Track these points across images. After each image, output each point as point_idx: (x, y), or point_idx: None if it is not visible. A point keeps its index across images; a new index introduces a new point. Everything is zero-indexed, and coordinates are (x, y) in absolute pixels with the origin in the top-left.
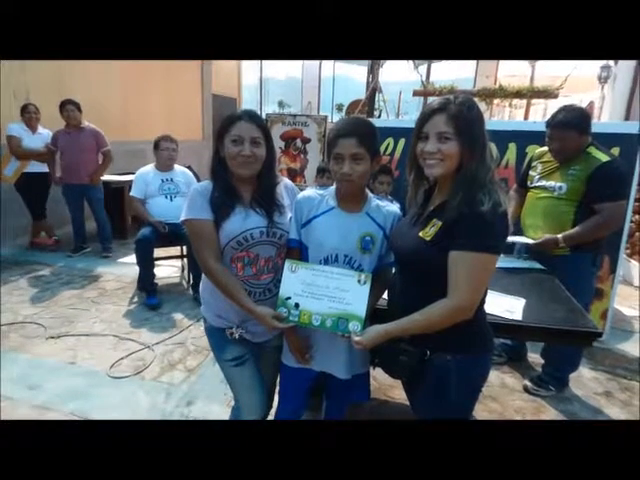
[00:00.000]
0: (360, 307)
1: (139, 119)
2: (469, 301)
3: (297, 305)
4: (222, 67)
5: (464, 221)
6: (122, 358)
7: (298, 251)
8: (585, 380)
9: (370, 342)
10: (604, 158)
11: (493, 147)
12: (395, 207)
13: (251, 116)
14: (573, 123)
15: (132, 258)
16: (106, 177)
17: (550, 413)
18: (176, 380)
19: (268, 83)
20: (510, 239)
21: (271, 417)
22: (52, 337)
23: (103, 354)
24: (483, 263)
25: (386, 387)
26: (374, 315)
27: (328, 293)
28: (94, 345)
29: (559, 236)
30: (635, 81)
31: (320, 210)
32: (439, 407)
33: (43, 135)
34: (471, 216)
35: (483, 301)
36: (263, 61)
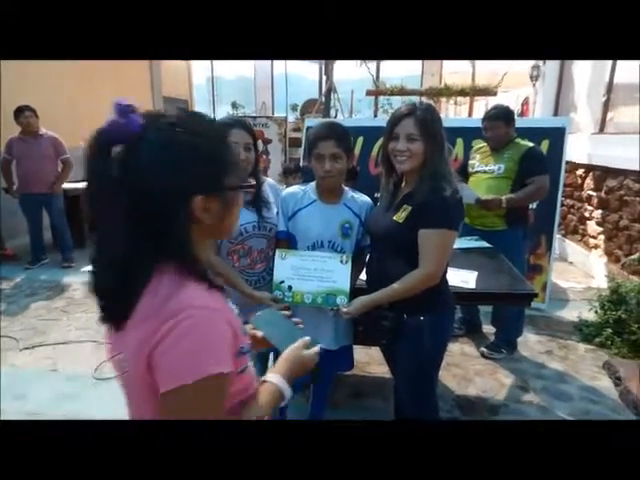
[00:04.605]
0: (344, 283)
1: (88, 124)
2: (436, 269)
3: (290, 287)
4: (171, 67)
5: (430, 205)
6: (105, 361)
7: (287, 241)
8: (530, 343)
9: (357, 311)
10: (529, 144)
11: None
12: (367, 198)
13: (243, 124)
14: (500, 116)
15: None
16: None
17: (503, 372)
18: None
19: (218, 83)
20: (463, 191)
21: None
22: (27, 348)
23: (84, 360)
24: (446, 238)
25: (363, 364)
26: (356, 294)
27: (316, 274)
28: (73, 352)
29: (503, 197)
30: (561, 80)
31: (304, 203)
32: (416, 360)
33: None
34: (436, 201)
35: (446, 270)
36: (213, 60)
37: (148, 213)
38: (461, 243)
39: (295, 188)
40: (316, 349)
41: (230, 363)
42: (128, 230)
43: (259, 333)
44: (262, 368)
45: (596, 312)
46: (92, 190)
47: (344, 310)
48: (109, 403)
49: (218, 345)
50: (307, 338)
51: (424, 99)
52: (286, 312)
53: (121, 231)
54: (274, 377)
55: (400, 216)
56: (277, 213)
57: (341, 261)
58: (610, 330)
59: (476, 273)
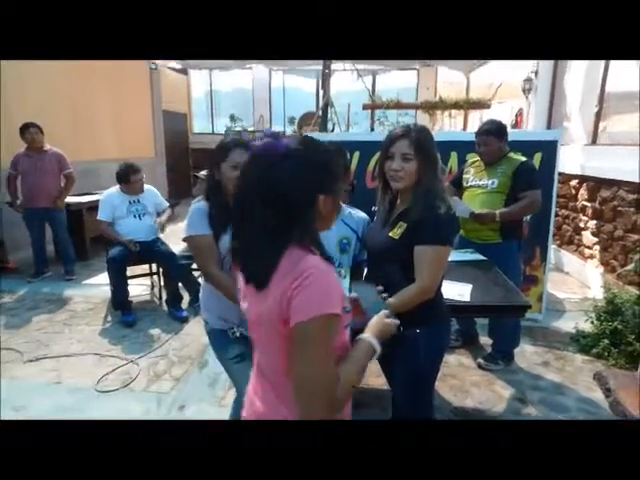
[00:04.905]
0: None
1: (89, 138)
2: (431, 283)
3: None
4: (170, 81)
5: (425, 222)
6: (108, 373)
7: None
8: (527, 354)
9: (355, 324)
10: (522, 158)
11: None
12: (363, 214)
13: (245, 145)
14: (492, 131)
15: (97, 279)
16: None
17: (500, 383)
18: (165, 388)
19: (217, 96)
20: (457, 206)
21: None
22: (30, 360)
23: (87, 372)
24: (441, 253)
25: None
26: None
27: None
28: (76, 365)
29: (496, 212)
30: (553, 93)
31: None
32: (413, 371)
33: None
34: (430, 218)
35: (440, 285)
36: (212, 73)
37: (289, 207)
38: (456, 256)
39: None
40: (396, 321)
41: (341, 310)
42: (273, 218)
43: (354, 294)
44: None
45: (592, 323)
46: (246, 190)
47: None
48: (111, 415)
49: (334, 294)
50: (387, 311)
51: (419, 112)
52: (379, 288)
53: (267, 219)
54: (367, 336)
55: (396, 232)
56: None
57: (339, 275)
58: (607, 341)
59: (471, 286)
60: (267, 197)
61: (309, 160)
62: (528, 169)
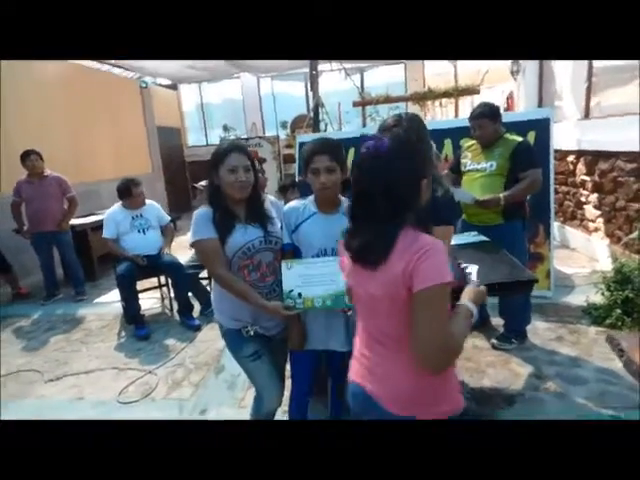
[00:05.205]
0: None
1: (88, 160)
2: None
3: (300, 295)
4: (162, 97)
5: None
6: (127, 385)
7: (292, 253)
8: (540, 331)
9: None
10: (519, 139)
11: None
12: None
13: (240, 148)
14: (485, 113)
15: (107, 297)
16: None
17: (516, 361)
18: (185, 395)
19: (208, 108)
20: (460, 194)
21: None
22: (51, 380)
23: (108, 386)
24: (444, 233)
25: None
26: None
27: (322, 279)
28: (96, 380)
29: (500, 195)
30: (541, 73)
31: (305, 216)
32: None
33: None
34: (430, 201)
35: None
36: (201, 86)
37: (403, 196)
38: (460, 239)
39: (295, 203)
40: (484, 288)
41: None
42: (391, 207)
43: None
44: (268, 360)
45: (603, 294)
46: (363, 189)
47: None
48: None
49: (446, 266)
50: (478, 280)
51: (410, 104)
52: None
53: (386, 209)
54: (466, 301)
55: None
56: (281, 227)
57: None
58: (619, 311)
59: (477, 267)
60: (384, 191)
61: (409, 153)
62: (526, 149)
